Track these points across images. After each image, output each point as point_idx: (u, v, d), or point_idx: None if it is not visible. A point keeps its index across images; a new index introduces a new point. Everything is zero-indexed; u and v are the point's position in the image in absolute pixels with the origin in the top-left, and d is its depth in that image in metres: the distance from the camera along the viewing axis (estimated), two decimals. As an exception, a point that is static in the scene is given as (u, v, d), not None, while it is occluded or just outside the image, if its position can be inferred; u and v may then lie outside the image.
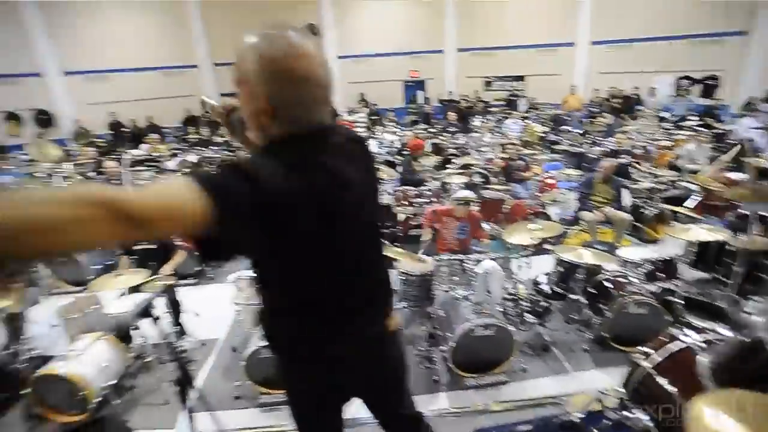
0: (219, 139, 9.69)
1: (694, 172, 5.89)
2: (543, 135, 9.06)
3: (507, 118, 10.38)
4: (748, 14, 10.40)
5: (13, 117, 11.67)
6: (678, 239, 3.52)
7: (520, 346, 3.09)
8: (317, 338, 1.18)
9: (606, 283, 3.31)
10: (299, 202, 0.91)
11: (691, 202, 4.69)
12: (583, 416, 2.04)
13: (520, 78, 13.86)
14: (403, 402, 1.48)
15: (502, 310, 3.35)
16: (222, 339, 3.68)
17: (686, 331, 1.83)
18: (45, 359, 3.28)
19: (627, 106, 10.74)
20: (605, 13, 12.17)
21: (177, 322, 3.44)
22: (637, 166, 6.41)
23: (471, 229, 3.80)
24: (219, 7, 13.14)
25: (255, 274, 1.15)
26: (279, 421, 2.75)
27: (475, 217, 3.87)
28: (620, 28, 12.08)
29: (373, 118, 11.87)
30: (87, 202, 0.63)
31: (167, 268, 3.61)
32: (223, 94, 14.05)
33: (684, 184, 5.57)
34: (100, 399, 2.84)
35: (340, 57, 14.31)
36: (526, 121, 10.06)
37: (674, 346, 1.77)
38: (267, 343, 1.27)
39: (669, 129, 8.65)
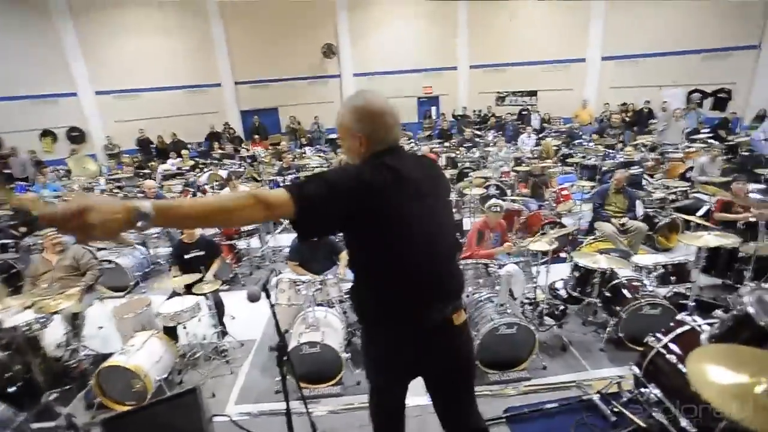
0: (243, 153, 10.14)
1: (709, 183, 6.06)
2: (556, 148, 9.29)
3: (521, 132, 10.66)
4: (760, 28, 10.61)
5: (48, 134, 12.35)
6: (690, 246, 3.71)
7: (540, 345, 3.30)
8: (390, 313, 1.46)
9: (621, 287, 3.51)
10: (372, 189, 1.29)
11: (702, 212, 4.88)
12: (602, 396, 2.24)
13: (533, 93, 14.17)
14: (469, 407, 1.66)
15: (521, 311, 3.57)
16: (258, 339, 3.94)
17: (694, 317, 2.05)
18: (99, 357, 3.60)
19: (638, 119, 10.94)
20: (616, 29, 12.48)
21: (221, 322, 3.73)
22: (649, 177, 6.60)
23: (501, 236, 4.06)
24: (241, 29, 13.79)
25: (350, 257, 1.53)
26: (318, 407, 2.99)
27: (503, 225, 4.13)
28: (631, 44, 12.36)
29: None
30: (248, 196, 1.14)
31: (210, 273, 3.93)
32: (242, 111, 14.68)
33: (695, 194, 5.75)
34: (154, 391, 3.12)
35: (355, 75, 14.81)
36: (541, 136, 10.33)
37: (681, 329, 1.99)
38: (356, 313, 1.58)
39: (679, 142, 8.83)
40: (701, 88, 11.82)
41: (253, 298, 1.54)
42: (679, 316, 2.12)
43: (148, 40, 13.09)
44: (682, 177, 7.17)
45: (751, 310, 1.51)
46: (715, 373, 1.11)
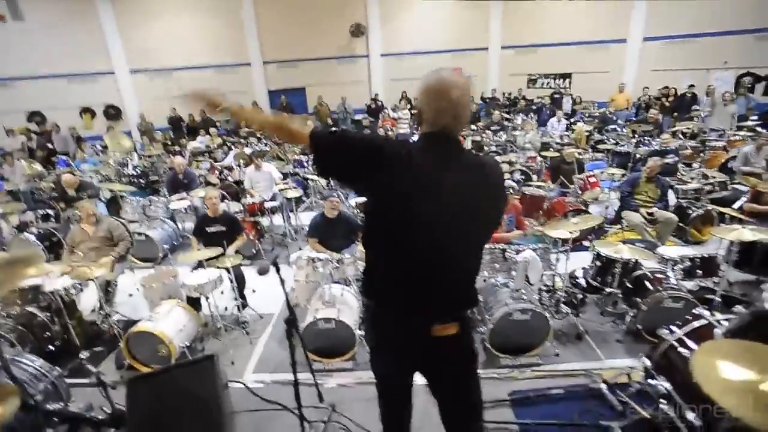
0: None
1: (751, 174, 5.71)
2: (587, 134, 8.94)
3: (551, 116, 10.29)
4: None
5: (87, 111, 12.91)
6: (722, 240, 3.53)
7: (554, 332, 3.26)
8: (389, 301, 1.46)
9: (643, 279, 3.40)
10: (381, 155, 1.33)
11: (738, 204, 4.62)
12: (610, 385, 2.21)
13: (567, 76, 13.58)
14: (461, 411, 1.60)
15: (538, 298, 3.53)
16: (277, 313, 4.08)
17: (713, 312, 1.98)
18: (129, 322, 3.83)
19: (680, 104, 10.34)
20: (662, 7, 11.70)
21: (241, 295, 3.87)
22: (686, 166, 6.26)
23: (516, 219, 4.01)
24: (271, 8, 13.80)
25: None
26: (329, 380, 3.10)
27: (518, 207, 4.07)
28: (678, 23, 11.57)
29: (414, 113, 12.12)
30: (281, 123, 1.49)
31: (232, 249, 4.08)
32: (270, 91, 14.82)
33: (735, 186, 5.43)
34: (178, 356, 3.31)
35: (383, 55, 14.60)
36: (573, 120, 9.95)
37: (697, 323, 1.93)
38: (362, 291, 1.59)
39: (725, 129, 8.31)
40: (754, 71, 11.00)
41: (262, 272, 1.60)
42: (696, 310, 2.05)
43: (181, 19, 13.33)
44: (723, 167, 6.78)
45: (768, 305, 1.44)
46: (722, 368, 1.07)
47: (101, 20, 12.41)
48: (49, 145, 10.91)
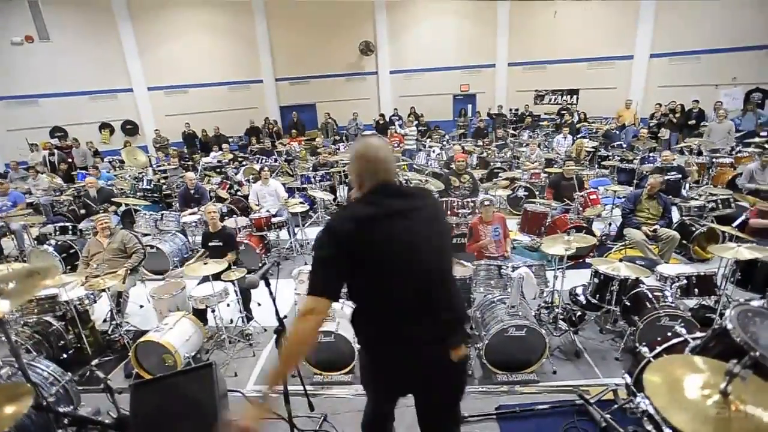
0: (280, 149, 10.55)
1: (755, 191, 5.69)
2: (592, 150, 8.96)
3: (557, 132, 10.36)
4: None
5: (106, 127, 13.40)
6: (722, 258, 3.54)
7: (552, 349, 3.29)
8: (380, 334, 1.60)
9: (642, 296, 3.42)
10: (342, 243, 1.46)
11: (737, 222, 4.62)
12: (595, 402, 2.24)
13: (575, 92, 13.68)
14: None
15: (536, 314, 3.57)
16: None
17: (692, 330, 2.01)
18: (139, 332, 3.97)
19: (687, 120, 10.32)
20: (669, 24, 11.80)
21: (246, 308, 3.99)
22: (694, 183, 6.24)
23: (502, 229, 4.12)
24: (284, 28, 14.29)
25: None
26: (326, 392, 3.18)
27: (502, 217, 4.21)
28: (684, 40, 11.64)
29: (421, 129, 12.31)
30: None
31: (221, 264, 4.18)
32: (281, 107, 15.21)
33: (741, 203, 5.41)
34: (183, 366, 3.42)
35: (392, 72, 14.92)
36: (579, 136, 9.99)
37: (674, 341, 1.97)
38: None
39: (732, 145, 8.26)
40: (763, 87, 10.96)
41: (251, 286, 1.70)
42: (676, 328, 2.09)
43: (197, 38, 13.87)
44: (731, 184, 6.74)
45: (729, 325, 1.48)
46: (673, 383, 1.13)
47: (122, 40, 12.97)
48: (69, 160, 11.32)
